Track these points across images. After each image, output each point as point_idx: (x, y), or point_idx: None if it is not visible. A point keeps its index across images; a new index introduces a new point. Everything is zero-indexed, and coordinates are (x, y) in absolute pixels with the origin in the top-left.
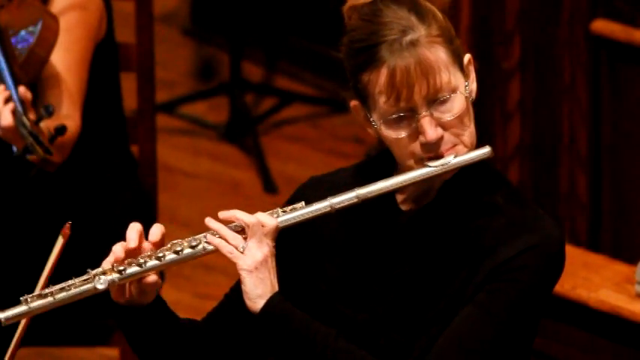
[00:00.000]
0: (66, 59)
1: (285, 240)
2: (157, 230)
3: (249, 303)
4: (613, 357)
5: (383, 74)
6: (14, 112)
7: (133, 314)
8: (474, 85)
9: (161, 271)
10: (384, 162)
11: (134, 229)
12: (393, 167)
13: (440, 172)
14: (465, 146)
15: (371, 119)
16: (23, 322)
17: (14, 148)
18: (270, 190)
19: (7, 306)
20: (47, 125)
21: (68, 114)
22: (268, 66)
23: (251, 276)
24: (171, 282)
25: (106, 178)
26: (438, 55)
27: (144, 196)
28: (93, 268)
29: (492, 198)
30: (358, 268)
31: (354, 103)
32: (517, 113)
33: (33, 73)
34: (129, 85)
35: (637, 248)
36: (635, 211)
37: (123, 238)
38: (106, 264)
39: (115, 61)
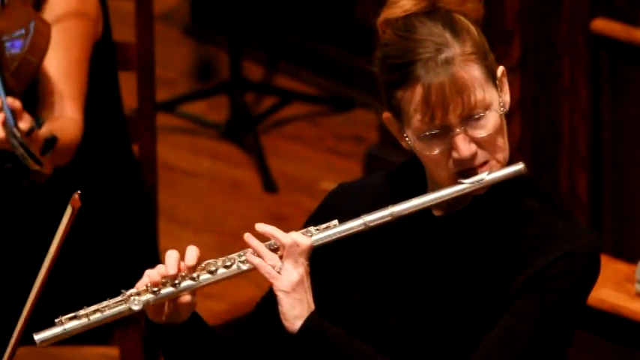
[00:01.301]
0: (66, 60)
1: (318, 250)
2: (192, 254)
3: (286, 324)
4: (613, 356)
5: (418, 93)
6: (4, 124)
7: (169, 333)
8: (507, 97)
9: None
10: (414, 170)
11: (172, 256)
12: (423, 175)
13: (473, 189)
14: (498, 162)
15: (404, 134)
16: (21, 322)
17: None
18: (270, 189)
19: (3, 306)
20: (39, 135)
21: (69, 115)
22: (268, 65)
23: (288, 297)
24: None
25: (106, 177)
26: (473, 73)
27: (144, 195)
28: (94, 268)
29: (527, 205)
30: (392, 275)
31: (386, 115)
32: (517, 112)
33: (26, 80)
34: (129, 84)
35: (637, 247)
36: (635, 211)
37: (122, 236)
38: (141, 285)
39: (113, 61)
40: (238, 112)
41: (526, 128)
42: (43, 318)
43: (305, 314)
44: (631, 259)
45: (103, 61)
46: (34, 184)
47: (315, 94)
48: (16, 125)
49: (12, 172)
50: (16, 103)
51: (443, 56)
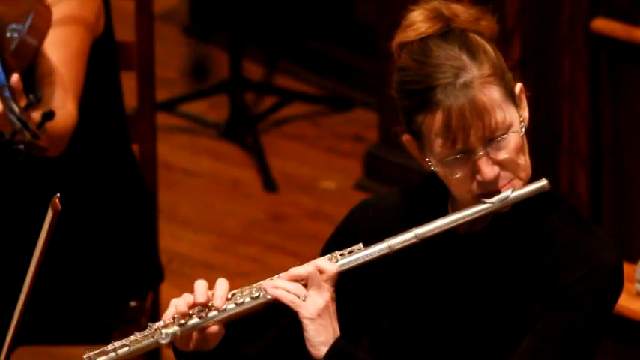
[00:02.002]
0: (63, 53)
1: (344, 274)
2: (223, 287)
3: (312, 350)
4: (613, 356)
5: (438, 118)
6: (3, 99)
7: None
8: (525, 113)
9: (160, 270)
10: (434, 188)
11: (202, 285)
12: (443, 193)
13: (497, 207)
14: (521, 180)
15: (427, 158)
16: (15, 321)
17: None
18: (270, 189)
19: None
20: (35, 113)
21: (66, 107)
22: (268, 64)
23: (314, 323)
24: (171, 281)
25: (104, 176)
26: (492, 95)
27: (144, 195)
28: (94, 267)
29: (549, 221)
30: (416, 294)
31: (407, 137)
32: None
33: (25, 61)
34: (129, 83)
35: (637, 247)
36: (635, 210)
37: (122, 236)
38: (167, 316)
39: (115, 59)
40: (238, 111)
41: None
42: (42, 317)
43: (330, 340)
44: (631, 259)
45: (104, 59)
46: (38, 166)
47: (315, 93)
48: (14, 100)
49: (8, 146)
50: (16, 79)
51: (462, 80)
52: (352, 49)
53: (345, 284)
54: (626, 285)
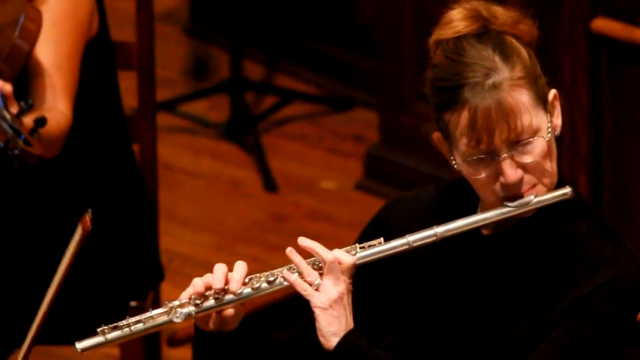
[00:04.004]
0: (56, 54)
1: (367, 267)
2: (240, 271)
3: (322, 340)
4: None
5: (464, 117)
6: None
7: (217, 341)
8: (558, 121)
9: (161, 269)
10: (465, 188)
11: (220, 270)
12: (473, 194)
13: (518, 212)
14: (545, 186)
15: (452, 157)
16: (37, 321)
17: None
18: (270, 189)
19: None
20: (28, 119)
21: (59, 108)
22: (268, 64)
23: (325, 313)
24: (171, 281)
25: (104, 175)
26: (521, 98)
27: (144, 195)
28: (94, 267)
29: (574, 228)
30: (438, 291)
31: (436, 135)
32: None
33: (17, 66)
34: (129, 84)
35: (637, 246)
36: (635, 210)
37: (122, 236)
38: (184, 296)
39: (111, 60)
40: (238, 111)
41: None
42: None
43: (342, 332)
44: None
45: (100, 60)
46: (24, 165)
47: (316, 93)
48: (5, 107)
49: (2, 153)
50: (7, 87)
51: (491, 81)
52: (352, 49)
53: (370, 277)
54: None
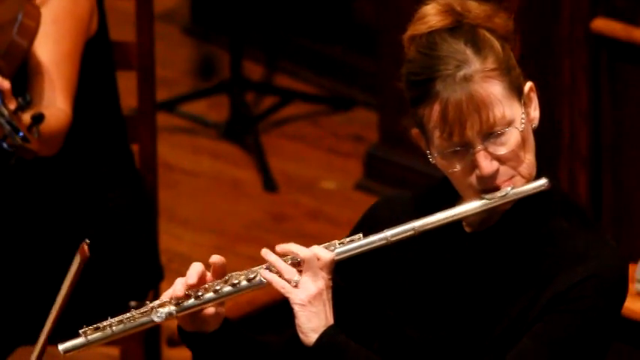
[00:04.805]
0: (55, 52)
1: (350, 263)
2: (219, 263)
3: (302, 336)
4: (613, 355)
5: (436, 110)
6: None
7: (199, 340)
8: (535, 113)
9: (160, 269)
10: (449, 187)
11: (195, 269)
12: (454, 197)
13: (495, 204)
14: (523, 177)
15: (428, 151)
16: (51, 320)
17: None
18: (270, 189)
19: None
20: (26, 116)
21: (58, 106)
22: (268, 64)
23: (304, 310)
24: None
25: (103, 174)
26: (492, 90)
27: (144, 194)
28: (94, 267)
29: (556, 225)
30: (422, 288)
31: (415, 131)
32: None
33: (15, 63)
34: (129, 83)
35: (637, 247)
36: (636, 210)
37: (122, 236)
38: (165, 296)
39: (110, 59)
40: (238, 111)
41: None
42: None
43: (321, 328)
44: (631, 259)
45: (98, 59)
46: (23, 163)
47: (315, 93)
48: (3, 103)
49: (0, 150)
50: (5, 83)
51: (462, 73)
52: (352, 49)
53: (354, 278)
54: None
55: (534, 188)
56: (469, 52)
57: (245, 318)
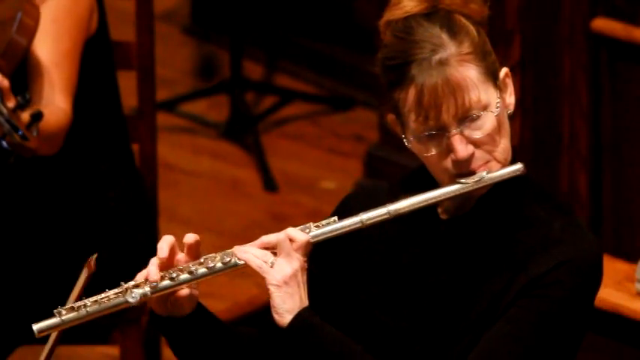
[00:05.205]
0: (55, 50)
1: (326, 248)
2: (193, 242)
3: (276, 317)
4: (613, 355)
5: (411, 93)
6: None
7: (172, 325)
8: (511, 99)
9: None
10: (427, 175)
11: (166, 240)
12: (430, 184)
13: (471, 189)
14: (498, 162)
15: (404, 136)
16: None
17: None
18: (270, 189)
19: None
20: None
21: (58, 104)
22: (269, 64)
23: (279, 291)
24: None
25: (102, 174)
26: (468, 73)
27: (144, 194)
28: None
29: (531, 211)
30: (397, 275)
31: (390, 117)
32: (517, 112)
33: (14, 61)
34: (129, 83)
35: (637, 246)
36: (636, 210)
37: (122, 235)
38: (140, 277)
39: (110, 59)
40: (238, 111)
41: (526, 128)
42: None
43: (296, 309)
44: (631, 259)
45: (99, 59)
46: (22, 161)
47: (316, 93)
48: (2, 102)
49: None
50: (4, 82)
51: (437, 57)
52: (352, 49)
53: (327, 265)
54: (626, 285)
55: (510, 173)
56: (445, 36)
57: (245, 318)
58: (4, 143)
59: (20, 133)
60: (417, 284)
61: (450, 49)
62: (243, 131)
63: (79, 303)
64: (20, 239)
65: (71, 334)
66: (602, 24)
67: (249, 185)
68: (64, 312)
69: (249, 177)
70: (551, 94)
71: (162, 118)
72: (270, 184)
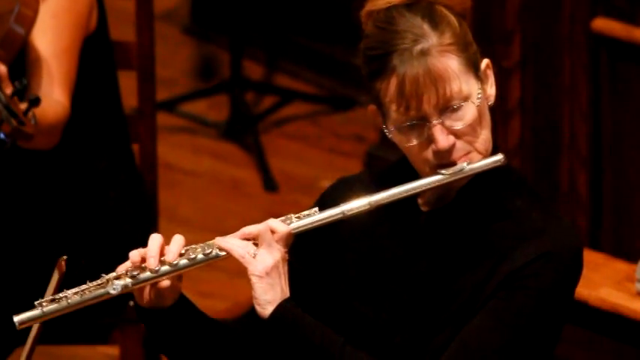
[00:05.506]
0: (54, 45)
1: (306, 240)
2: (177, 243)
3: (258, 308)
4: (613, 355)
5: (393, 83)
6: None
7: (154, 316)
8: (492, 90)
9: None
10: (407, 167)
11: (155, 240)
12: (412, 176)
13: (451, 179)
14: (479, 153)
15: (385, 126)
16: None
17: None
18: (270, 188)
19: None
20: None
21: (56, 97)
22: (268, 64)
23: (261, 281)
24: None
25: (102, 173)
26: (450, 64)
27: (144, 194)
28: (93, 266)
29: (511, 203)
30: (377, 266)
31: (371, 107)
32: (517, 112)
33: (13, 51)
34: (129, 83)
35: (637, 246)
36: (636, 210)
37: (121, 235)
38: (121, 269)
39: (110, 57)
40: (238, 111)
41: (526, 128)
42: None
43: (278, 300)
44: (631, 259)
45: (99, 57)
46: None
47: (316, 93)
48: (0, 88)
49: None
50: (2, 68)
51: (419, 47)
52: (352, 49)
53: (307, 257)
54: (626, 285)
55: (490, 164)
56: (426, 26)
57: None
58: (2, 131)
59: (17, 117)
60: (397, 276)
61: (431, 39)
62: (243, 131)
63: (61, 295)
64: (20, 239)
65: (71, 334)
66: (602, 24)
67: (249, 185)
68: (44, 303)
69: (249, 177)
70: (551, 94)
71: (163, 118)
72: (270, 184)
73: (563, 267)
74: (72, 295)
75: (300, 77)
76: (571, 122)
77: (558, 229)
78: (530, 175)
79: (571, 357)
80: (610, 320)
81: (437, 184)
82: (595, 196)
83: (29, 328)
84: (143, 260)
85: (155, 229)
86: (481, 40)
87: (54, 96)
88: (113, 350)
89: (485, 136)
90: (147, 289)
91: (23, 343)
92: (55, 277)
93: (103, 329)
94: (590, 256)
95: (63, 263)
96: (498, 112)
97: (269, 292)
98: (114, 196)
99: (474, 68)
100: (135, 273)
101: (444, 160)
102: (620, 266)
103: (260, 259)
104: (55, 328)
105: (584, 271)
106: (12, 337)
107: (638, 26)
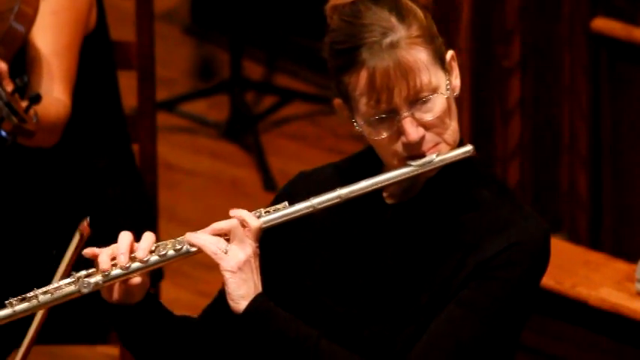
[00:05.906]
0: (54, 43)
1: (271, 235)
2: (147, 240)
3: (231, 304)
4: (613, 355)
5: (363, 77)
6: None
7: (122, 313)
8: (457, 81)
9: (160, 268)
10: (371, 158)
11: (125, 238)
12: (380, 164)
13: (422, 171)
14: (448, 144)
15: (353, 120)
16: (37, 321)
17: None
18: (270, 188)
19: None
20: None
21: (57, 95)
22: (268, 64)
23: (234, 277)
24: (171, 280)
25: (101, 172)
26: (418, 56)
27: (144, 194)
28: (90, 261)
29: (478, 194)
30: (344, 261)
31: (337, 101)
32: (517, 112)
33: (13, 48)
34: (129, 83)
35: (637, 246)
36: (636, 210)
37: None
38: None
39: (110, 57)
40: (238, 111)
41: (526, 127)
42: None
43: (251, 295)
44: (631, 259)
45: (98, 57)
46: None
47: (315, 93)
48: (1, 86)
49: None
50: (2, 65)
51: (388, 40)
52: None
53: (278, 244)
54: (626, 285)
55: (460, 154)
56: (394, 19)
57: None
58: (3, 128)
59: (18, 115)
60: (364, 270)
61: (399, 32)
62: (243, 131)
63: (31, 293)
64: (19, 238)
65: (70, 334)
66: (602, 24)
67: (249, 185)
68: (15, 302)
69: (249, 177)
70: (551, 94)
71: (162, 118)
72: (270, 184)
73: (532, 256)
74: (42, 294)
75: (300, 77)
76: (571, 122)
77: (525, 218)
78: (530, 175)
79: (571, 357)
80: (610, 320)
81: (407, 175)
82: (595, 196)
83: (26, 329)
84: (112, 258)
85: (155, 229)
86: (481, 40)
87: (54, 93)
88: (113, 350)
89: (453, 128)
90: (116, 286)
91: (21, 343)
92: (76, 239)
93: (102, 329)
94: (589, 256)
95: (86, 224)
96: (498, 113)
97: (242, 287)
98: (113, 195)
99: (440, 60)
100: (106, 271)
101: (414, 152)
102: (620, 266)
103: (232, 254)
104: (54, 328)
105: (584, 271)
106: (11, 338)
107: (638, 26)
